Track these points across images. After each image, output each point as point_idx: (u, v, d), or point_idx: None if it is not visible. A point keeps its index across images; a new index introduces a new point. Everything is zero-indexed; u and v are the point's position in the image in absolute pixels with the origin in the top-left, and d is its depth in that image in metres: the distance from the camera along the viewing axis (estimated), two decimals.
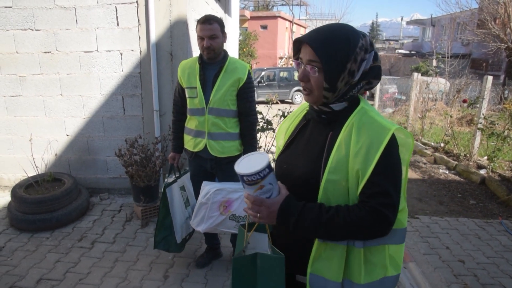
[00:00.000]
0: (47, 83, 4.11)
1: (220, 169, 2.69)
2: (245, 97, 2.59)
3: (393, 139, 1.08)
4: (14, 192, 3.63)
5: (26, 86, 4.13)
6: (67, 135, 4.27)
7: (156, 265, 2.98)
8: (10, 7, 3.91)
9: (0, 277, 2.80)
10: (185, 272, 2.89)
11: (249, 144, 2.67)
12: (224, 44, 2.57)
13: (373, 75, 1.14)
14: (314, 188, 1.13)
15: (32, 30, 3.97)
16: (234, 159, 2.58)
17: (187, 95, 2.61)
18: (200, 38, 2.45)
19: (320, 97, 1.14)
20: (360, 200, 1.08)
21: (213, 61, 2.53)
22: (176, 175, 2.87)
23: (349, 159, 1.08)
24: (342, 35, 1.08)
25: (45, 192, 3.68)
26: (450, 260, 3.23)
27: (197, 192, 2.83)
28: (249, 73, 2.59)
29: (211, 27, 2.42)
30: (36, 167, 4.18)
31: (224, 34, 2.52)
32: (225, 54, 2.59)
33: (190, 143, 2.69)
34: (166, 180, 2.80)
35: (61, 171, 4.32)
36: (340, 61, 1.07)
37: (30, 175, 4.08)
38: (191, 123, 2.66)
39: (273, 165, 1.26)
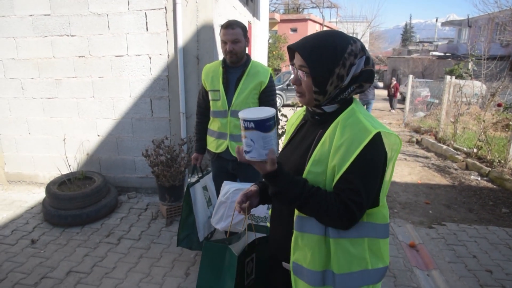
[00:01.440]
0: (81, 85, 4.33)
1: (241, 170, 2.74)
2: (267, 100, 2.63)
3: (375, 141, 1.12)
4: (48, 188, 3.84)
5: (62, 88, 4.37)
6: (98, 136, 4.47)
7: (179, 263, 3.07)
8: (49, 15, 4.16)
9: (33, 268, 2.98)
10: None
11: None
12: (248, 47, 2.62)
13: (364, 78, 1.19)
14: None
15: (68, 36, 4.20)
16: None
17: (210, 98, 2.68)
18: (223, 43, 2.52)
19: (311, 100, 1.21)
20: (334, 192, 1.15)
21: (236, 64, 2.59)
22: (199, 175, 2.95)
23: (330, 155, 1.14)
24: (329, 42, 1.14)
25: (77, 190, 3.87)
26: (476, 269, 3.12)
27: (219, 192, 2.90)
28: (271, 77, 2.63)
29: (234, 32, 2.48)
30: (69, 166, 4.41)
31: (246, 38, 2.58)
32: (248, 58, 2.64)
33: (212, 144, 2.75)
34: (189, 180, 2.88)
35: (92, 169, 4.52)
36: (327, 66, 1.13)
37: (63, 173, 4.30)
38: (214, 125, 2.73)
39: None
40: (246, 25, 2.75)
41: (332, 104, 1.21)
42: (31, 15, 4.19)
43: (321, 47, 1.14)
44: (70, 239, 3.45)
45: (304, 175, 1.19)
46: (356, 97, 1.44)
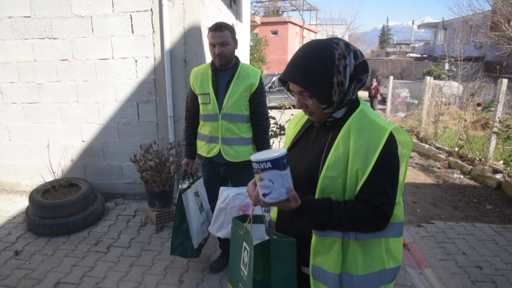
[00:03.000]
0: (64, 90, 4.20)
1: (233, 173, 2.71)
2: (257, 102, 2.62)
3: (391, 139, 1.14)
4: (32, 197, 3.70)
5: (44, 93, 4.23)
6: (83, 141, 4.35)
7: (172, 270, 3.00)
8: (29, 16, 4.02)
9: (19, 280, 2.86)
10: (200, 277, 2.90)
11: (262, 148, 2.69)
12: (236, 50, 2.60)
13: (360, 71, 1.19)
14: (314, 183, 1.20)
15: (50, 38, 4.07)
16: (247, 163, 2.60)
17: (200, 102, 2.64)
18: (212, 45, 2.48)
19: (322, 115, 1.22)
20: (361, 198, 1.14)
21: (225, 67, 2.57)
22: (190, 181, 2.90)
23: (349, 158, 1.14)
24: (317, 58, 1.13)
25: (62, 197, 3.74)
26: (467, 266, 3.18)
27: (211, 197, 2.86)
28: (260, 79, 2.62)
29: (222, 34, 2.45)
30: (53, 173, 4.27)
31: (235, 40, 2.55)
32: (237, 60, 2.62)
33: (203, 149, 2.71)
34: (180, 186, 2.82)
35: (77, 176, 4.39)
36: (326, 81, 1.13)
37: (47, 180, 4.16)
38: (204, 129, 2.69)
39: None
40: None
41: (341, 109, 1.22)
42: (10, 17, 4.04)
43: (312, 66, 1.13)
44: (56, 249, 3.33)
45: (319, 180, 1.18)
46: None
